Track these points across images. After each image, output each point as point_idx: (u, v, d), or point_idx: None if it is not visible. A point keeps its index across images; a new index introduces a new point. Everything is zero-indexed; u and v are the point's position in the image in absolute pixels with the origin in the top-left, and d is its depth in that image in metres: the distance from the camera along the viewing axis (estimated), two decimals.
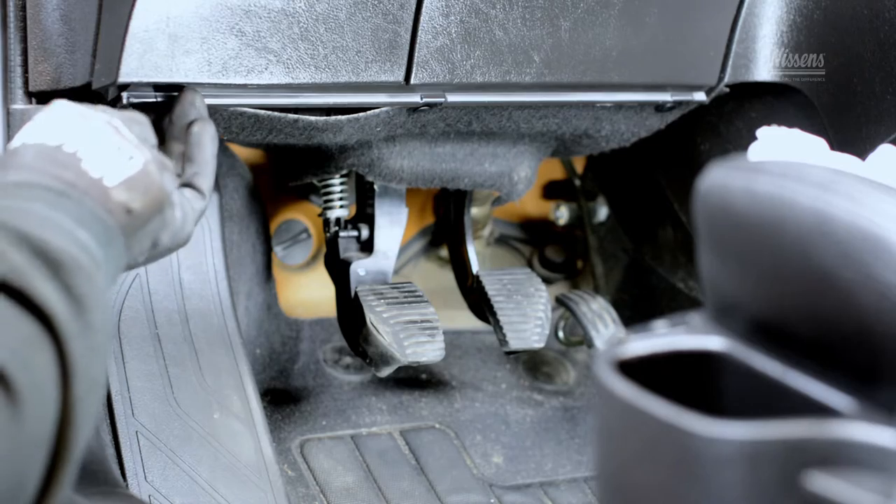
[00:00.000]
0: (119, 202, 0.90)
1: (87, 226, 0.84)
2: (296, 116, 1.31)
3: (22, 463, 0.68)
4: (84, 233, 0.83)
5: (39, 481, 0.70)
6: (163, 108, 1.16)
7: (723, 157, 0.74)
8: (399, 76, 1.30)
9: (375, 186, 1.60)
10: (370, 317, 1.49)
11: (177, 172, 1.07)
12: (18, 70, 1.22)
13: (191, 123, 1.10)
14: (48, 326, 0.72)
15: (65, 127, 0.91)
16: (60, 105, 0.94)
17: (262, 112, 1.28)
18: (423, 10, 1.28)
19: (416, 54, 1.30)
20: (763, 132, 0.82)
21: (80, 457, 0.74)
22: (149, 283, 1.51)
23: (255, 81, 1.23)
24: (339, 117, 1.33)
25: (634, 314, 1.85)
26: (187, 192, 1.05)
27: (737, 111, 1.66)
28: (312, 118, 1.32)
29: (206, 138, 1.09)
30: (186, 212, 1.02)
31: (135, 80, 1.17)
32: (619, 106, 1.52)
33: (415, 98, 1.34)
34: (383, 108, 1.34)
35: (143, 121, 1.01)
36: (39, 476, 0.70)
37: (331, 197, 1.62)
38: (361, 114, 1.33)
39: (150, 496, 1.38)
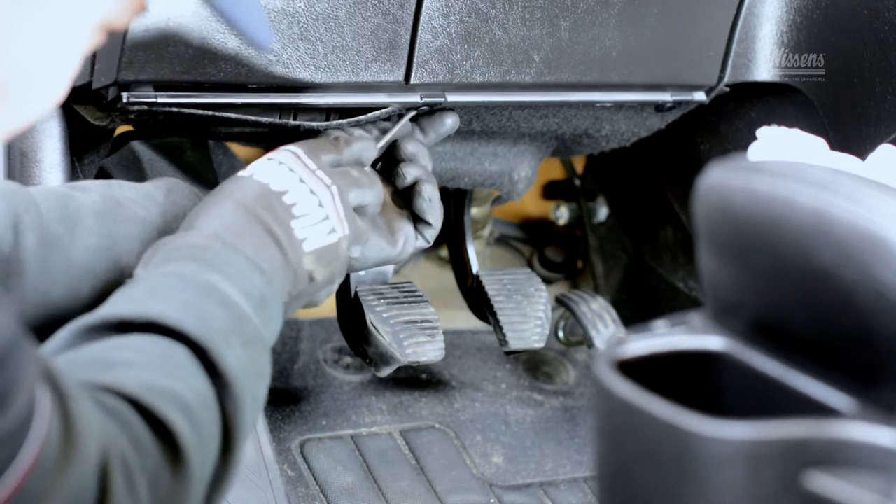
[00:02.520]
0: (307, 270, 1.03)
1: (267, 305, 0.95)
2: (297, 122, 1.31)
3: None
4: (263, 313, 0.94)
5: None
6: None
7: (723, 157, 0.74)
8: (399, 76, 1.30)
9: None
10: (370, 317, 1.49)
11: (396, 204, 1.24)
12: None
13: (416, 181, 1.23)
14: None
15: (293, 176, 1.05)
16: (298, 152, 1.09)
17: (265, 120, 1.28)
18: (423, 9, 1.28)
19: (416, 54, 1.30)
20: (763, 132, 0.82)
21: None
22: None
23: (256, 81, 1.23)
24: (341, 122, 1.33)
25: (634, 314, 1.84)
26: (413, 232, 1.23)
27: (737, 111, 1.66)
28: (314, 123, 1.32)
29: (437, 202, 1.24)
30: (409, 245, 1.22)
31: (135, 79, 1.17)
32: (619, 106, 1.52)
33: (415, 98, 1.34)
34: (384, 110, 1.34)
35: (372, 177, 1.17)
36: None
37: None
38: (362, 116, 1.33)
39: None
